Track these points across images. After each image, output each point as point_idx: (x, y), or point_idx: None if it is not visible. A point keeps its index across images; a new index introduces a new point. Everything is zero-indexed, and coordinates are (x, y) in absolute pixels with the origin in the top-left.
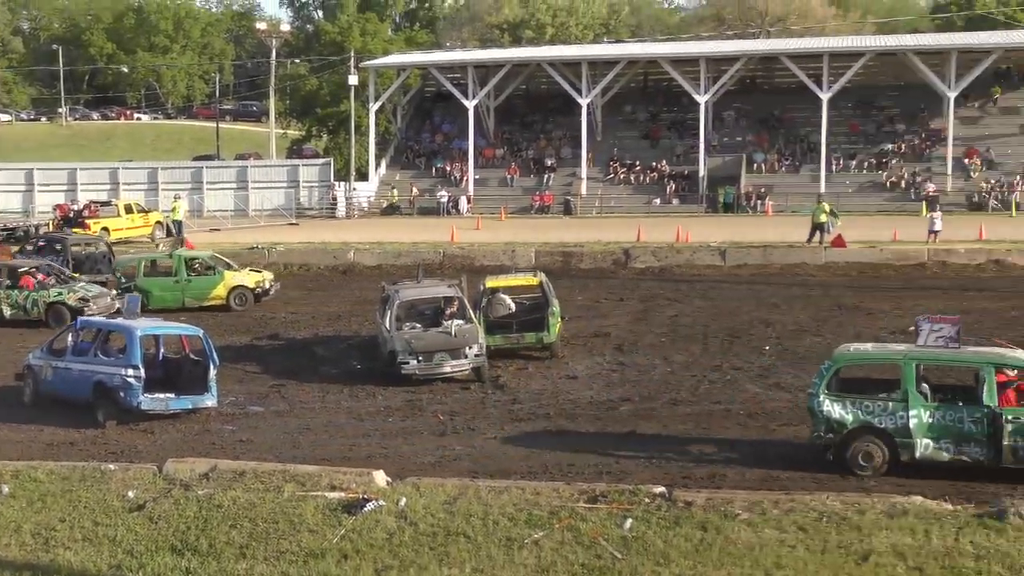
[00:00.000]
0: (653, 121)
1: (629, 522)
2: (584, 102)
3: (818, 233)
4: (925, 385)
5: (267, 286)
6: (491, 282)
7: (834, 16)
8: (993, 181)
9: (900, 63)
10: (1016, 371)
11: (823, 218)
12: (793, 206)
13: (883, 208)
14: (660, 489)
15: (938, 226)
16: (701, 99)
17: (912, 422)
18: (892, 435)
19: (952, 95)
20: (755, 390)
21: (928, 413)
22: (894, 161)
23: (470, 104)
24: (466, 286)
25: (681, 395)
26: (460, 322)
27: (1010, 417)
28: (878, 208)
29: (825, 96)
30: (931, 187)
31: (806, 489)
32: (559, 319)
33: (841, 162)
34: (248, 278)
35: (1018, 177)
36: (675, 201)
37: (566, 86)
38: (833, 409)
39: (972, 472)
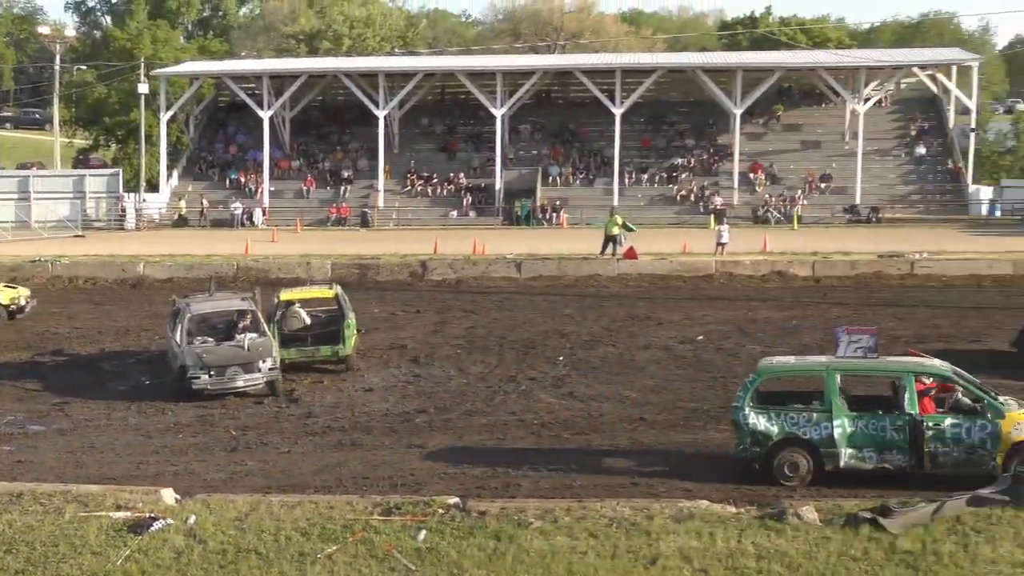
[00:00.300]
0: (450, 134)
1: (423, 533)
2: (381, 114)
3: (611, 245)
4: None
5: (22, 303)
6: (286, 295)
7: (626, 33)
8: (776, 195)
9: (689, 80)
10: (932, 379)
11: (615, 230)
12: (587, 219)
13: (673, 221)
14: (454, 500)
15: (725, 238)
16: (497, 112)
17: (836, 432)
18: (817, 446)
19: (738, 112)
20: (549, 400)
21: (851, 423)
22: (684, 175)
23: (265, 115)
24: (260, 299)
25: (476, 406)
26: (253, 336)
27: (930, 424)
28: (669, 221)
29: (618, 111)
30: (719, 201)
31: (597, 496)
32: (355, 332)
33: (633, 176)
34: (1, 294)
35: (799, 191)
36: (472, 214)
37: (363, 98)
38: (758, 421)
39: (754, 475)
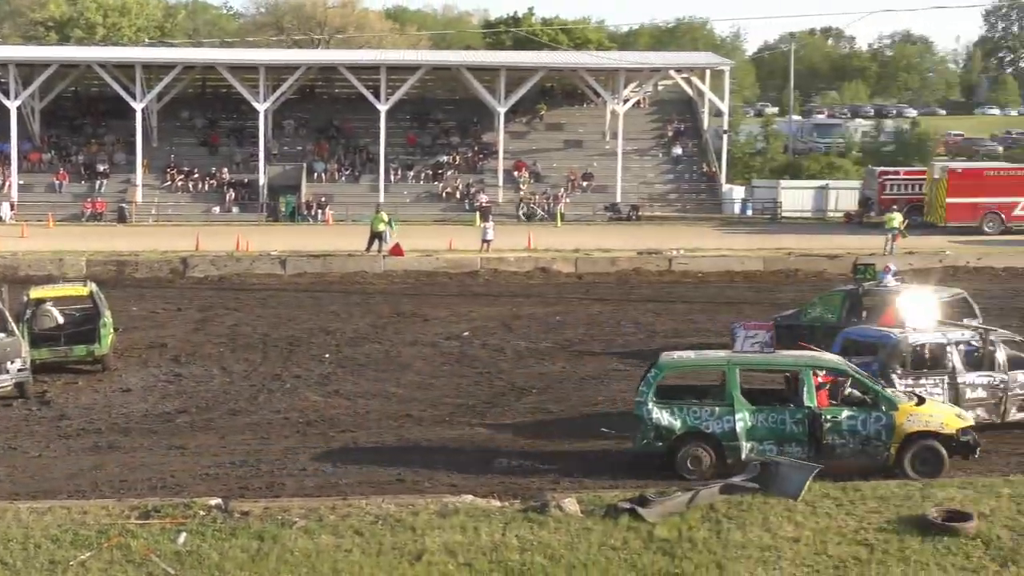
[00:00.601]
0: (212, 128)
1: (183, 536)
2: (138, 106)
3: (377, 242)
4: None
5: None
6: (36, 293)
7: (391, 30)
8: (540, 193)
9: (454, 78)
10: (825, 372)
11: (381, 227)
12: (353, 215)
13: (439, 218)
14: (216, 501)
15: (490, 235)
16: (260, 107)
17: (739, 426)
18: (720, 439)
19: (502, 110)
20: (315, 398)
21: (752, 416)
22: (449, 172)
23: (12, 105)
24: (7, 297)
25: (240, 405)
26: (0, 335)
27: (828, 417)
28: (434, 218)
29: (383, 108)
30: (484, 198)
31: (363, 494)
32: (112, 330)
33: (399, 172)
34: None
35: (562, 189)
36: (235, 210)
37: (119, 89)
38: (662, 416)
39: (519, 470)
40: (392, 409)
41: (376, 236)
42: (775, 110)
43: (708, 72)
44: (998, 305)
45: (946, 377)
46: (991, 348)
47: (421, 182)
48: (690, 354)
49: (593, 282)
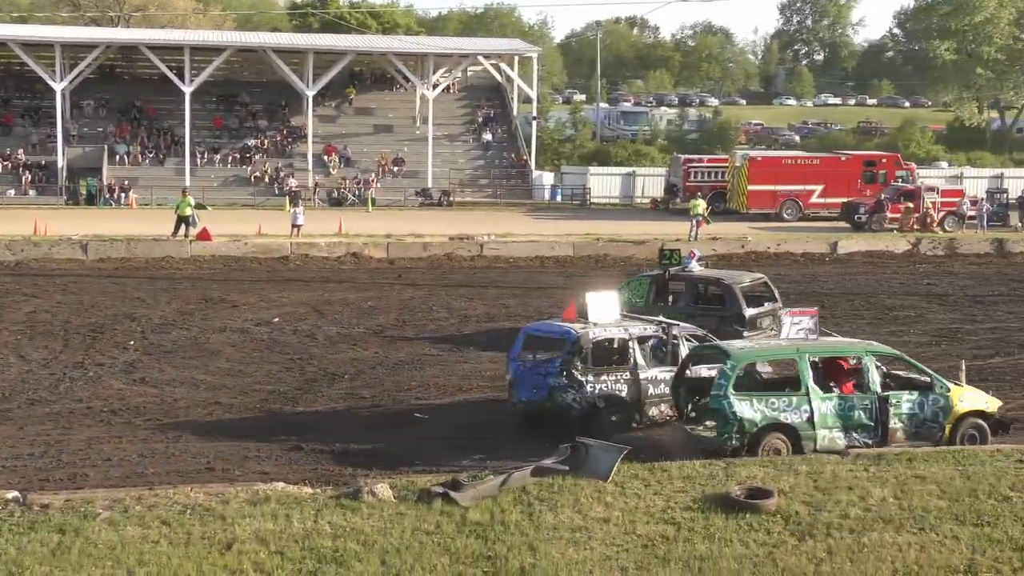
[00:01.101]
0: (4, 107)
1: None
2: None
3: (183, 226)
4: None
5: None
6: None
7: (195, 10)
8: (351, 178)
9: (261, 60)
10: (856, 359)
11: (188, 211)
12: (159, 199)
13: (247, 202)
14: (13, 494)
15: (301, 220)
16: (57, 87)
17: (815, 415)
18: (796, 429)
19: (311, 94)
20: (120, 386)
21: (824, 405)
22: (257, 156)
23: None
24: None
25: (39, 394)
26: None
27: (894, 401)
28: (243, 202)
29: (188, 89)
30: (293, 182)
31: (171, 483)
32: None
33: (206, 156)
34: None
35: (373, 174)
36: (32, 192)
37: None
38: (743, 408)
39: (331, 456)
40: (201, 397)
41: (183, 221)
42: (583, 97)
43: (516, 59)
44: (797, 289)
45: (627, 372)
46: (674, 343)
47: (229, 166)
48: (755, 345)
49: (405, 267)
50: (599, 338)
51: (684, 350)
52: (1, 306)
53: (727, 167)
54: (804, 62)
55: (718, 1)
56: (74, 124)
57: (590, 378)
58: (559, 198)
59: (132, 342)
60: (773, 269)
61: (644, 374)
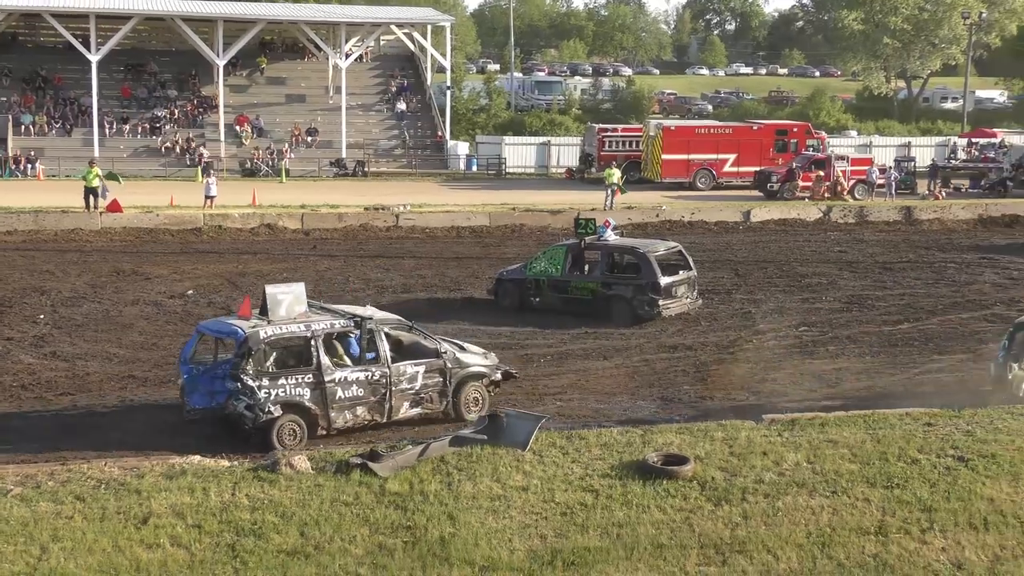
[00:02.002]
0: None
1: None
2: None
3: (92, 198)
4: None
5: None
6: None
7: None
8: (263, 148)
9: (170, 29)
10: None
11: (96, 182)
12: (67, 170)
13: (158, 173)
14: None
15: (213, 191)
16: None
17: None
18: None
19: (221, 63)
20: (30, 360)
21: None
22: (168, 127)
23: None
24: None
25: None
26: None
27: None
28: (154, 173)
29: (94, 58)
30: (205, 153)
31: (85, 459)
32: None
33: (114, 126)
34: None
35: (286, 144)
36: None
37: None
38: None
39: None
40: (114, 370)
41: (90, 192)
42: (497, 67)
43: (429, 28)
44: (711, 258)
45: (311, 375)
46: (370, 338)
47: (138, 136)
48: None
49: (320, 238)
50: (272, 337)
51: (385, 346)
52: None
53: (641, 136)
54: (716, 32)
55: None
56: None
57: (264, 383)
58: (474, 168)
59: (42, 316)
60: (688, 238)
61: (330, 376)
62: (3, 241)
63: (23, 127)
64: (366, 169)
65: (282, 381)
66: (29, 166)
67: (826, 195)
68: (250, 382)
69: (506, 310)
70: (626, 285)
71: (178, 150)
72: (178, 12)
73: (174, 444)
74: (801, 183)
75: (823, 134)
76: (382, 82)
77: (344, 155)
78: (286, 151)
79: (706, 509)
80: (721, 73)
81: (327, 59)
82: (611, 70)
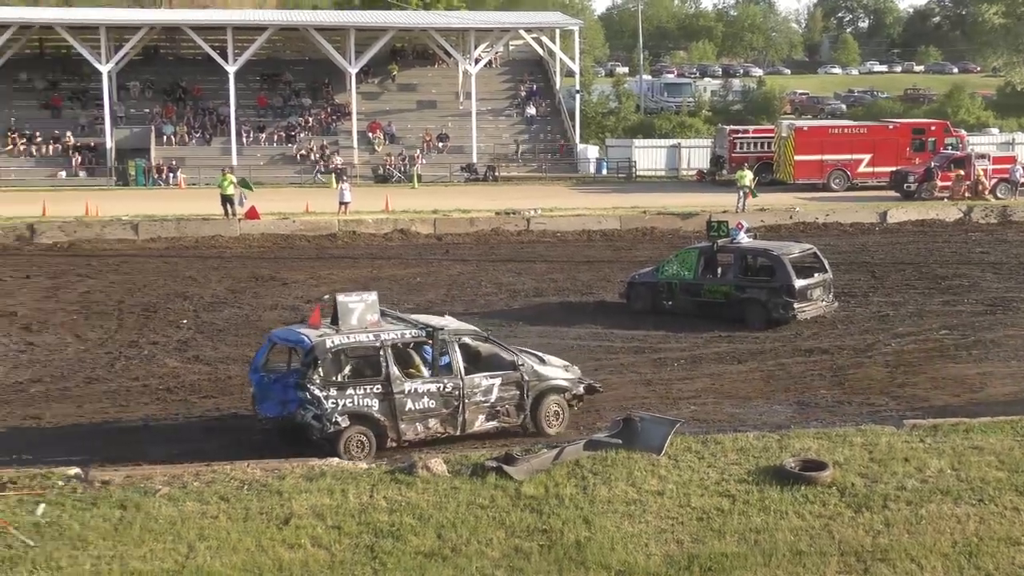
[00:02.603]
0: (53, 90)
1: (42, 507)
2: None
3: (228, 205)
4: None
5: None
6: None
7: None
8: (396, 154)
9: (303, 38)
10: None
11: (231, 190)
12: (206, 179)
13: (294, 180)
14: (75, 470)
15: (347, 197)
16: (103, 68)
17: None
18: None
19: (353, 71)
20: (174, 364)
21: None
22: (302, 134)
23: None
24: None
25: (97, 373)
26: None
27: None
28: (289, 181)
29: (231, 69)
30: (339, 160)
31: (228, 459)
32: None
33: (251, 135)
34: None
35: (418, 150)
36: (82, 174)
37: None
38: None
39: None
40: None
41: (227, 199)
42: (625, 70)
43: (558, 32)
44: (847, 260)
45: (379, 386)
46: (443, 349)
47: (274, 144)
48: None
49: (452, 243)
50: (340, 346)
51: (458, 357)
52: (56, 287)
53: (773, 138)
54: (849, 30)
55: None
56: (121, 106)
57: (332, 392)
58: (604, 171)
59: (185, 321)
60: (822, 240)
61: (399, 387)
62: (147, 248)
63: (165, 137)
64: (496, 174)
65: (350, 391)
66: (171, 175)
67: (966, 195)
68: (317, 392)
69: (638, 314)
70: (760, 288)
71: (312, 157)
72: (311, 22)
73: (312, 446)
74: (940, 183)
75: (962, 132)
76: (511, 87)
77: (475, 160)
78: (418, 157)
79: (846, 516)
80: (854, 72)
81: (457, 65)
82: (741, 71)
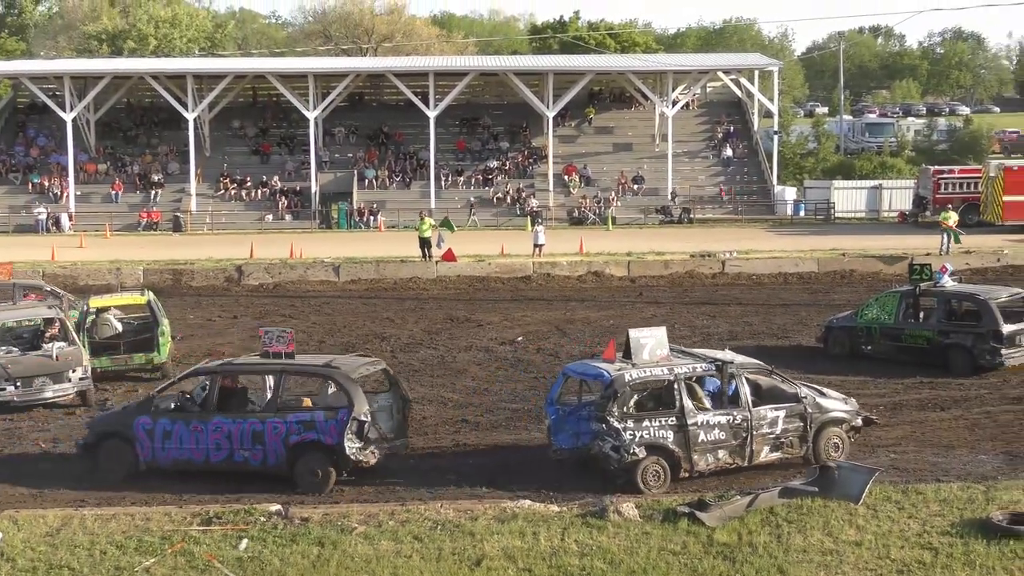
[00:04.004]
0: (263, 136)
1: (245, 542)
2: (191, 116)
3: (427, 248)
4: None
5: None
6: (95, 302)
7: (438, 36)
8: (591, 197)
9: (502, 83)
10: None
11: (428, 233)
12: (405, 222)
13: (490, 223)
14: (276, 507)
15: (542, 240)
16: (311, 115)
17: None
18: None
19: (551, 114)
20: None
21: None
22: (499, 177)
23: (68, 116)
24: (66, 306)
25: None
26: (62, 344)
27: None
28: (485, 223)
29: (432, 114)
30: (534, 202)
31: (421, 500)
32: (169, 339)
33: (449, 178)
34: None
35: (613, 193)
36: (288, 217)
37: (171, 100)
38: None
39: (573, 474)
40: (448, 414)
41: (424, 242)
42: (825, 110)
43: (756, 73)
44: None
45: (674, 418)
46: (731, 382)
47: (472, 187)
48: None
49: (646, 285)
50: (637, 380)
51: (746, 390)
52: (262, 326)
53: (980, 178)
54: None
55: (968, 8)
56: (326, 151)
57: (629, 424)
58: (802, 213)
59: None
60: None
61: (692, 419)
62: (348, 289)
63: (366, 181)
64: (692, 216)
65: (646, 423)
66: (371, 218)
67: None
68: (615, 424)
69: (836, 358)
70: (965, 333)
71: (508, 200)
72: (511, 67)
73: (506, 488)
74: None
75: None
76: (708, 128)
77: (671, 202)
78: (612, 199)
79: None
80: None
81: (654, 107)
82: (947, 109)
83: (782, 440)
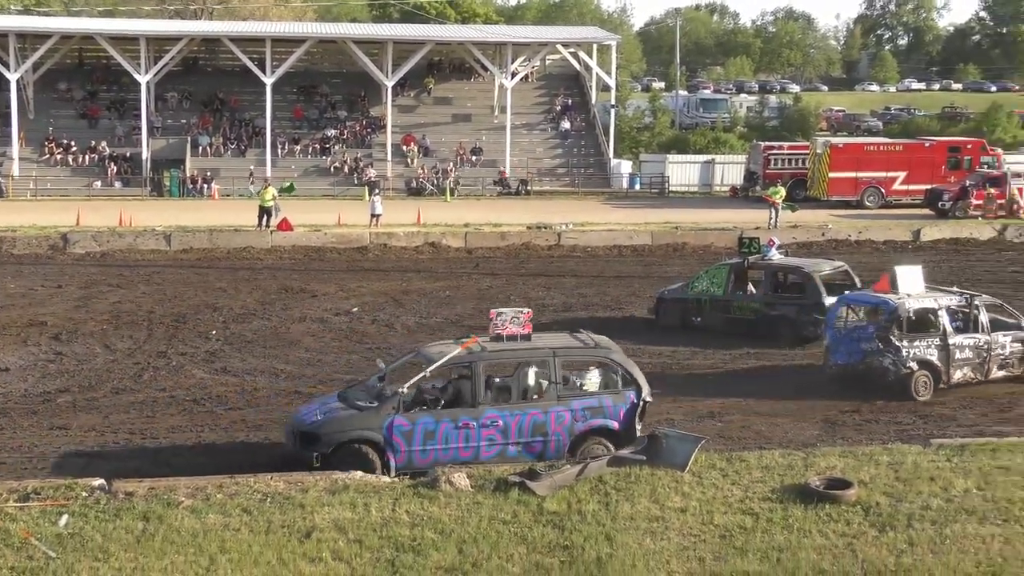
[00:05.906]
0: (91, 100)
1: (65, 518)
2: (13, 77)
3: (265, 217)
4: None
5: None
6: None
7: (276, 2)
8: (429, 167)
9: (341, 51)
10: None
11: (269, 202)
12: (240, 190)
13: (327, 192)
14: (99, 481)
15: (379, 210)
16: (142, 79)
17: None
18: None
19: (390, 84)
20: (201, 375)
21: None
22: (337, 147)
23: None
24: None
25: (124, 383)
26: None
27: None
28: (323, 192)
29: (269, 80)
30: (372, 172)
31: (252, 472)
32: None
33: (286, 146)
34: None
35: (451, 164)
36: (118, 184)
37: None
38: None
39: None
40: (281, 386)
41: (265, 211)
42: (662, 85)
43: (595, 47)
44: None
45: (938, 339)
46: (976, 312)
47: (309, 156)
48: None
49: (483, 256)
50: (915, 308)
51: (984, 318)
52: (88, 296)
53: (808, 154)
54: (887, 47)
55: None
56: (158, 116)
57: (905, 344)
58: (637, 187)
59: (214, 332)
60: (854, 257)
61: (951, 340)
62: (180, 259)
63: (200, 148)
64: (529, 188)
65: (917, 343)
66: (205, 186)
67: (1000, 214)
68: (896, 342)
69: (667, 329)
70: (790, 305)
71: (346, 170)
72: (350, 35)
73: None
74: (974, 201)
75: (999, 151)
76: (546, 101)
77: (508, 174)
78: (451, 170)
79: (870, 535)
80: (892, 89)
81: (493, 79)
82: (778, 87)
83: (1008, 360)
